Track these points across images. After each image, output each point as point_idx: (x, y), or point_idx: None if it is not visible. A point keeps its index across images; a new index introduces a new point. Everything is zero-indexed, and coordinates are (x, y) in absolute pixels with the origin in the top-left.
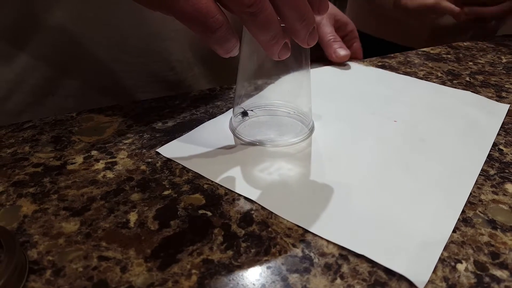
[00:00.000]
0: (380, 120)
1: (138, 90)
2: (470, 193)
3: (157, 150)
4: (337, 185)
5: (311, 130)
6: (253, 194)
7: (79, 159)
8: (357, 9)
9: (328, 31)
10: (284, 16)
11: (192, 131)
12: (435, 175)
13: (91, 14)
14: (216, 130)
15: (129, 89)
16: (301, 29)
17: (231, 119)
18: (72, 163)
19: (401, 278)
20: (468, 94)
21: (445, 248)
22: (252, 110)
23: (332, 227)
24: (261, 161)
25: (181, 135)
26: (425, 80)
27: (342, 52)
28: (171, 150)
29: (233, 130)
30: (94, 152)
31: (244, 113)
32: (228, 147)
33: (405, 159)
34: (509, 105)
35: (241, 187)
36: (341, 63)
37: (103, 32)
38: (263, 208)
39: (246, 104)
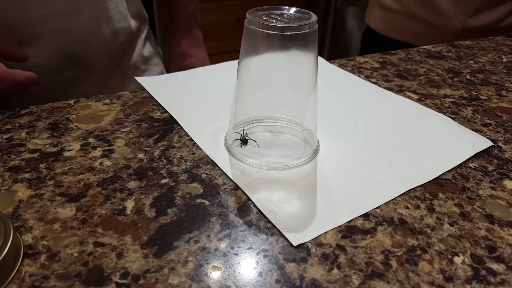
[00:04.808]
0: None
1: None
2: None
3: (136, 77)
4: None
5: (316, 151)
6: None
7: (76, 146)
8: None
9: None
10: None
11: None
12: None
13: None
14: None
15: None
16: None
17: (226, 134)
18: (69, 150)
19: (397, 270)
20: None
21: (442, 241)
22: (251, 139)
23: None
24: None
25: (180, 125)
26: (425, 76)
27: None
28: (151, 82)
29: (228, 148)
30: (91, 140)
31: (244, 141)
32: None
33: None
34: (491, 143)
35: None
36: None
37: None
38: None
39: (245, 118)
